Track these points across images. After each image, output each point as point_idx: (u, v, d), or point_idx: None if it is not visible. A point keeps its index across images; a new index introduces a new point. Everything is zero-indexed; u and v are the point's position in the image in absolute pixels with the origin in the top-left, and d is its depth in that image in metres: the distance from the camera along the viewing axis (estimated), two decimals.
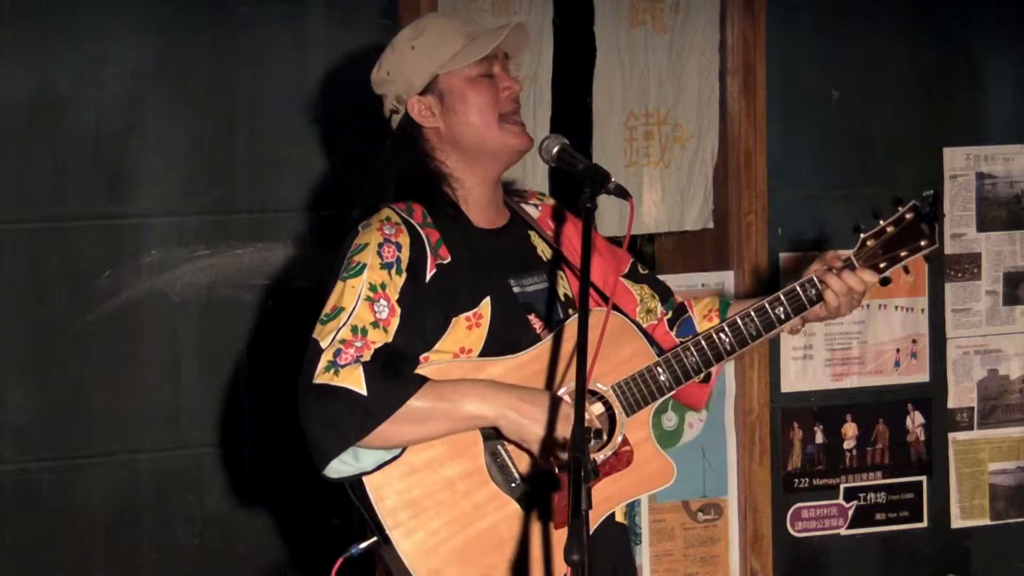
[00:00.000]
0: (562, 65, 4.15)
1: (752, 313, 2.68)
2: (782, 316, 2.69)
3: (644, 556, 4.26)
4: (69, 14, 3.70)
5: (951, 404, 4.55)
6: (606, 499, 2.60)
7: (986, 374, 4.57)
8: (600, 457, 2.58)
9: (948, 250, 4.51)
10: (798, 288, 2.69)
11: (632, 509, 4.21)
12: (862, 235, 2.69)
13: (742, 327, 2.67)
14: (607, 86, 4.25)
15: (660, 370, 2.64)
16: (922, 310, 4.48)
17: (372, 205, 2.67)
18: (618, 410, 2.62)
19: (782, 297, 2.69)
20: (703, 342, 2.66)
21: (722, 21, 4.32)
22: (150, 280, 3.79)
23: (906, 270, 2.73)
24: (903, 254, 2.69)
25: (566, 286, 2.77)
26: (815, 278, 2.69)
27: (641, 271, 2.92)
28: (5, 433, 3.70)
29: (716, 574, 4.34)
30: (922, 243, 2.69)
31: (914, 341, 4.49)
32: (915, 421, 4.51)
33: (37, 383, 3.72)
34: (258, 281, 3.87)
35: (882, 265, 2.69)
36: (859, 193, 4.43)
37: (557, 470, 2.53)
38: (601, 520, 2.61)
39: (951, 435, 4.55)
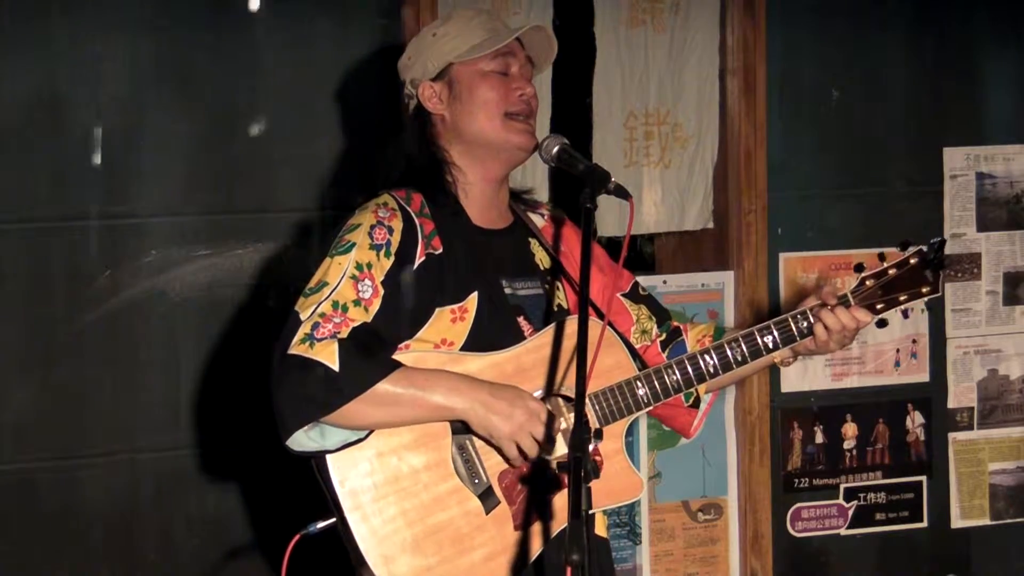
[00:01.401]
0: (562, 65, 4.14)
1: (740, 339, 2.68)
2: (770, 345, 2.68)
3: (644, 556, 4.26)
4: (69, 14, 3.70)
5: (951, 404, 4.55)
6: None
7: (986, 374, 4.57)
8: None
9: (948, 250, 4.51)
10: (789, 319, 2.68)
11: (632, 509, 4.21)
12: (862, 274, 2.68)
13: (728, 351, 2.67)
14: (607, 86, 4.25)
15: (639, 384, 2.64)
16: (922, 310, 4.48)
17: (373, 191, 2.68)
18: (592, 419, 2.61)
19: (772, 326, 2.68)
20: (687, 362, 2.66)
21: (722, 21, 4.32)
22: (150, 280, 3.79)
23: (905, 314, 2.72)
24: (903, 298, 2.68)
25: (561, 296, 2.76)
26: (808, 311, 2.68)
27: (641, 292, 2.91)
28: (5, 433, 3.70)
29: (716, 574, 4.34)
30: (923, 289, 2.68)
31: (914, 341, 4.49)
32: (915, 421, 4.51)
33: (37, 383, 3.72)
34: (258, 281, 3.87)
35: (879, 306, 2.68)
36: (859, 193, 4.44)
37: (557, 469, 2.54)
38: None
39: (951, 435, 4.55)
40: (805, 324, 2.67)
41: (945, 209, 4.51)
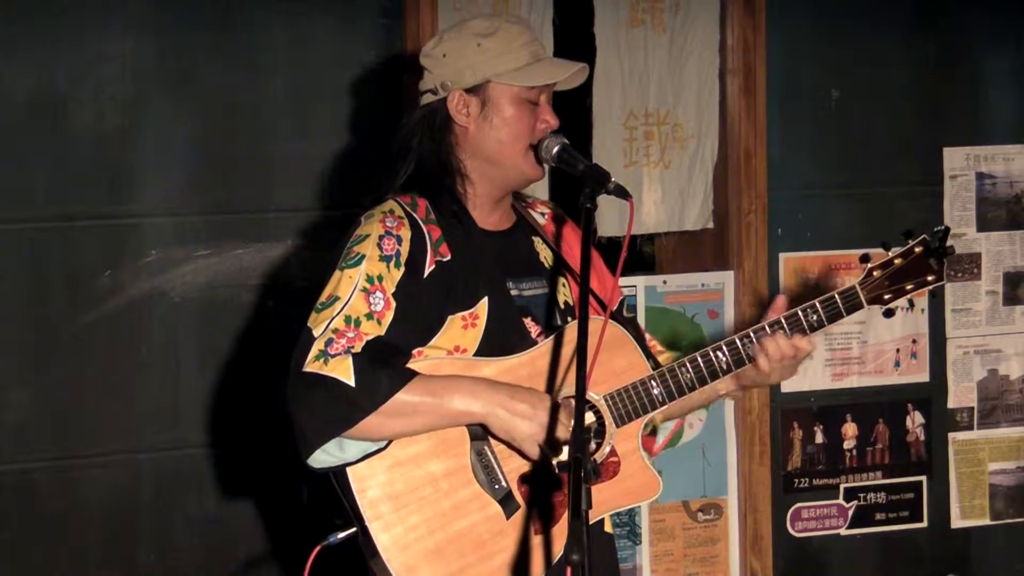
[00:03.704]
0: None
1: (752, 333, 2.68)
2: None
3: (644, 556, 4.26)
4: (69, 14, 3.70)
5: (951, 404, 4.55)
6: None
7: (986, 374, 4.57)
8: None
9: None
10: (798, 313, 2.69)
11: (632, 509, 4.21)
12: (869, 265, 2.69)
13: (740, 347, 2.67)
14: (607, 86, 4.25)
15: (654, 384, 2.64)
16: (922, 310, 4.48)
17: (379, 191, 2.67)
18: (608, 420, 2.61)
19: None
20: (699, 359, 2.66)
21: (722, 21, 4.33)
22: (150, 280, 3.79)
23: (911, 304, 2.73)
24: (909, 287, 2.69)
25: (567, 293, 2.76)
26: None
27: (626, 314, 2.90)
28: (5, 433, 3.70)
29: (716, 574, 4.34)
30: (929, 278, 2.70)
31: (914, 341, 4.49)
32: (915, 421, 4.51)
33: (37, 383, 3.72)
34: (258, 281, 3.87)
35: (887, 297, 2.69)
36: (859, 193, 4.44)
37: (557, 470, 2.54)
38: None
39: (951, 435, 4.55)
40: (815, 317, 2.68)
41: (945, 209, 4.51)
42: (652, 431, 2.81)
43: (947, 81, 4.51)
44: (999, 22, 4.56)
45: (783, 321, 2.67)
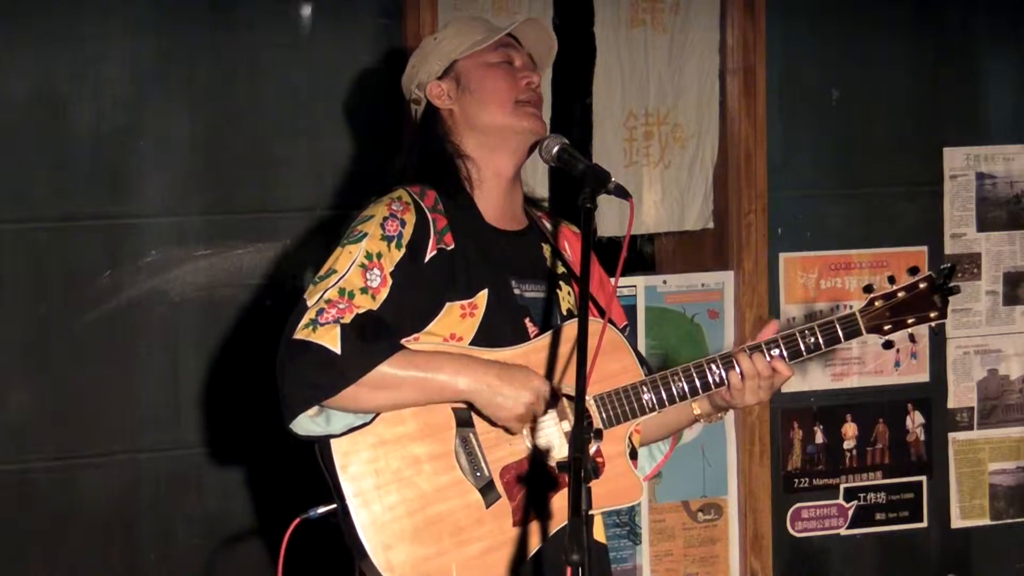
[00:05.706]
0: (562, 65, 4.14)
1: (747, 349, 2.68)
2: (775, 353, 2.68)
3: (644, 556, 4.26)
4: (69, 14, 3.70)
5: (951, 404, 4.55)
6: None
7: (986, 374, 4.57)
8: None
9: (948, 250, 4.51)
10: (798, 333, 2.69)
11: (632, 509, 4.21)
12: (872, 295, 2.69)
13: (734, 361, 2.67)
14: (607, 86, 4.25)
15: (645, 389, 2.64)
16: None
17: (386, 189, 2.70)
18: (596, 421, 2.61)
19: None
20: (692, 370, 2.66)
21: (722, 21, 4.32)
22: (150, 280, 3.79)
23: (912, 339, 2.72)
24: (910, 321, 2.70)
25: (570, 301, 2.76)
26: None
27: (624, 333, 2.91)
28: (5, 433, 3.70)
29: (716, 574, 4.34)
30: (931, 314, 2.71)
31: (914, 341, 4.48)
32: (915, 421, 4.51)
33: (37, 383, 3.72)
34: (258, 281, 3.87)
35: (886, 327, 2.70)
36: (859, 193, 4.44)
37: (557, 470, 2.54)
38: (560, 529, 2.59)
39: (951, 435, 4.55)
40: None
41: (945, 209, 4.51)
42: (632, 452, 2.77)
43: (947, 81, 4.51)
44: (999, 22, 4.56)
45: (780, 340, 2.68)
